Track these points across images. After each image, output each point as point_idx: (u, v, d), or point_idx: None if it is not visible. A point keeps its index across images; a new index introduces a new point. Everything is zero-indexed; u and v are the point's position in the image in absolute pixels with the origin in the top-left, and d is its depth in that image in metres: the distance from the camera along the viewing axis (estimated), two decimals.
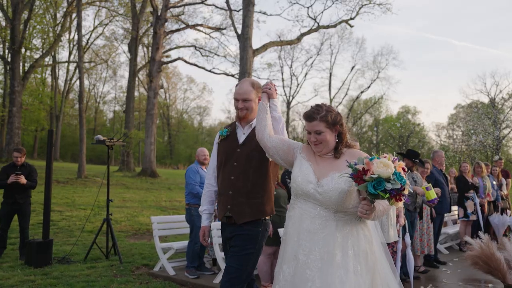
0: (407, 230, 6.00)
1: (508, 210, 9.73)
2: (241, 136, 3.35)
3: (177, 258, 6.71)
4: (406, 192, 2.42)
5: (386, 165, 2.37)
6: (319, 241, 2.65)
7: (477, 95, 48.03)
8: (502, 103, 42.90)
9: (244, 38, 17.89)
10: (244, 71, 17.61)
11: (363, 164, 2.43)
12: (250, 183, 3.22)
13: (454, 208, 9.41)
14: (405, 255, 5.98)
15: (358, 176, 2.41)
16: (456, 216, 9.60)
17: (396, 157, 2.49)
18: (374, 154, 2.50)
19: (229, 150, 3.32)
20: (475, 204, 8.49)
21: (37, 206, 10.95)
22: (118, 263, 6.79)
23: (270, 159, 3.23)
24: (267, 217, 3.30)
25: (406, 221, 6.01)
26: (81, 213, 11.62)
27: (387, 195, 2.35)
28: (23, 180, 6.80)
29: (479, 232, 3.95)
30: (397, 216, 5.62)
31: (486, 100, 43.40)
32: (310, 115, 2.78)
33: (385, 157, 2.44)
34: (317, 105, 2.84)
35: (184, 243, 6.47)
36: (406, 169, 2.49)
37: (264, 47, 19.65)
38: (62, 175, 20.93)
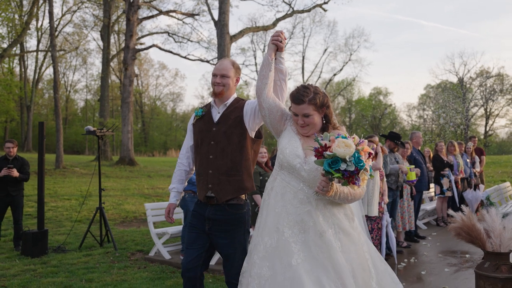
0: (387, 209, 6.38)
1: (481, 185, 10.30)
2: (216, 116, 3.30)
3: (170, 243, 6.92)
4: (362, 177, 2.41)
5: (348, 145, 2.35)
6: (301, 215, 2.66)
7: (446, 75, 49.28)
8: (470, 82, 44.14)
9: (221, 24, 17.95)
10: (222, 57, 17.70)
11: (328, 140, 2.43)
12: (229, 161, 3.19)
13: (431, 185, 9.91)
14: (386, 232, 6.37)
15: (319, 151, 2.41)
16: (432, 193, 10.11)
17: (363, 140, 2.48)
18: (346, 134, 2.49)
19: (205, 129, 3.29)
20: (450, 181, 8.97)
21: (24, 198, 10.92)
22: (113, 250, 6.97)
23: (248, 136, 3.23)
24: (245, 197, 3.30)
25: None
26: (66, 204, 11.66)
27: (338, 175, 2.34)
28: (15, 173, 6.87)
29: (462, 205, 4.31)
30: (382, 195, 6.00)
31: (455, 80, 44.56)
32: (299, 98, 2.72)
33: (353, 138, 2.43)
34: (304, 86, 2.77)
35: (179, 228, 6.69)
36: (373, 155, 2.47)
37: (241, 33, 19.74)
38: None
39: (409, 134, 8.67)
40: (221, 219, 3.20)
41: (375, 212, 5.85)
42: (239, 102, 3.31)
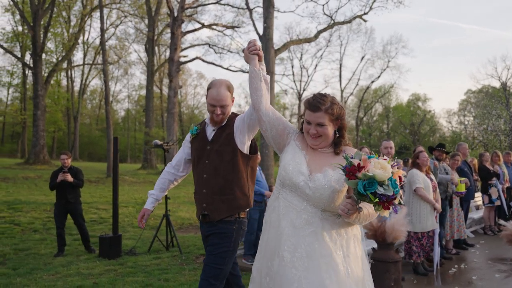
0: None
1: None
2: (211, 134, 3.32)
3: None
4: (396, 201, 2.21)
5: (384, 167, 2.17)
6: (305, 237, 2.45)
7: (488, 80, 48.25)
8: None
9: (266, 39, 18.58)
10: (267, 71, 18.21)
11: (360, 160, 2.24)
12: (222, 179, 3.19)
13: (477, 195, 10.17)
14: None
15: (351, 170, 2.21)
16: (478, 202, 10.37)
17: (397, 163, 2.32)
18: (373, 153, 2.29)
19: (200, 148, 3.32)
20: (498, 191, 9.23)
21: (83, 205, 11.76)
22: (179, 254, 7.58)
23: (240, 153, 3.23)
24: (242, 216, 3.27)
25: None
26: (124, 211, 12.45)
27: (376, 199, 2.15)
28: (69, 178, 7.50)
29: None
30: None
31: (497, 84, 43.59)
32: (315, 105, 2.53)
33: (385, 159, 2.23)
34: (321, 95, 2.60)
35: None
36: (403, 179, 2.31)
37: (285, 46, 20.35)
38: (92, 175, 21.80)
39: (450, 141, 8.97)
40: (212, 233, 3.26)
41: (428, 227, 6.19)
42: (233, 119, 3.30)
